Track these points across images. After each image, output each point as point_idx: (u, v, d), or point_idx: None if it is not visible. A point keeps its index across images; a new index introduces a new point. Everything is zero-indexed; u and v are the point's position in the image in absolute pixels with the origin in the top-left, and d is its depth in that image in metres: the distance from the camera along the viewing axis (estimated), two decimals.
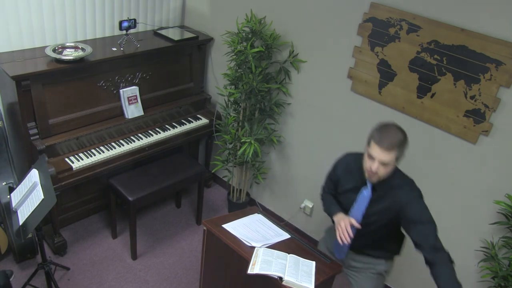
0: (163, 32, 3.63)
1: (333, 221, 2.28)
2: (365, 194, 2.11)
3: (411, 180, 2.11)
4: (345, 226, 2.09)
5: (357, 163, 2.13)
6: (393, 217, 2.09)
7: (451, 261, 2.00)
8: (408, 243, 3.02)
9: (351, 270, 2.40)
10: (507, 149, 2.46)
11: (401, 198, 2.04)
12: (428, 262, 2.00)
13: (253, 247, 2.11)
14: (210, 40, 3.72)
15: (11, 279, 2.91)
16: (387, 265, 2.35)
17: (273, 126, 3.50)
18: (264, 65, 3.24)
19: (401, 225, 2.11)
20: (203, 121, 3.69)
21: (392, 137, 1.93)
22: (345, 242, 2.10)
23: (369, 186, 2.09)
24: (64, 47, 3.05)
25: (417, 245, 2.02)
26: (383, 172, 1.98)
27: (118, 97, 3.25)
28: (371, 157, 1.98)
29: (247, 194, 3.89)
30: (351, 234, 2.10)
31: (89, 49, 3.03)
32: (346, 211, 2.21)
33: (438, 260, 1.97)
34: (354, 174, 2.16)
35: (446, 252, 2.01)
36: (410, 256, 3.08)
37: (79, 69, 2.97)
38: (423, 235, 1.99)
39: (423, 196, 2.09)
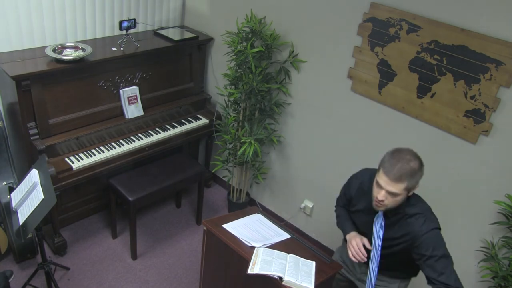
0: (163, 32, 3.63)
1: (345, 239, 2.20)
2: (377, 223, 2.00)
3: (427, 208, 1.98)
4: (358, 246, 2.02)
5: (371, 182, 1.98)
6: (406, 248, 1.98)
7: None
8: None
9: (363, 283, 2.29)
10: (507, 149, 2.46)
11: (414, 230, 1.91)
12: None
13: (253, 247, 2.11)
14: (210, 40, 3.72)
15: (11, 280, 2.91)
16: (401, 285, 2.26)
17: (273, 126, 3.50)
18: (264, 65, 3.24)
19: (414, 258, 1.98)
20: (203, 121, 3.69)
21: (403, 167, 1.81)
22: (361, 260, 2.02)
23: (380, 213, 1.98)
24: (64, 47, 3.05)
25: (429, 281, 1.90)
26: (390, 202, 1.87)
27: (118, 97, 3.25)
28: (378, 185, 1.87)
29: (247, 194, 3.89)
30: (365, 254, 2.01)
31: (89, 49, 3.03)
32: (359, 229, 2.15)
33: None
34: (367, 194, 2.04)
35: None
36: None
37: (79, 69, 2.97)
38: (435, 271, 1.87)
39: (439, 226, 1.97)
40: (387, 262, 2.10)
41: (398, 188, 1.82)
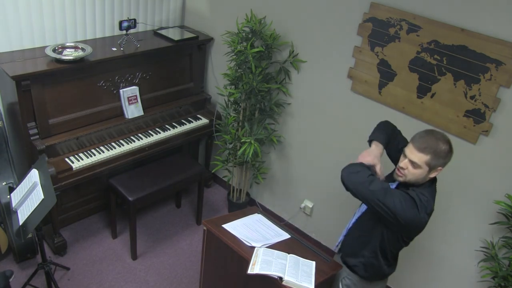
0: (163, 32, 3.63)
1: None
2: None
3: (429, 199, 1.96)
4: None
5: None
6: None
7: (366, 180, 1.93)
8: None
9: None
10: (507, 149, 2.46)
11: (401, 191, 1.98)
12: None
13: (253, 247, 2.11)
14: (210, 40, 3.72)
15: (11, 280, 2.91)
16: (346, 280, 2.23)
17: (273, 126, 3.50)
18: (264, 65, 3.24)
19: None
20: (203, 121, 3.69)
21: (430, 141, 1.89)
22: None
23: (395, 183, 2.07)
24: (64, 47, 3.05)
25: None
26: (411, 171, 1.93)
27: (118, 97, 3.25)
28: (403, 154, 1.96)
29: (247, 194, 3.89)
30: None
31: (89, 49, 3.03)
32: None
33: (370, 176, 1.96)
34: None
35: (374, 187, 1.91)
36: (412, 258, 3.08)
37: (79, 69, 2.97)
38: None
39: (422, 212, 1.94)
40: (361, 227, 2.17)
41: (419, 158, 1.88)
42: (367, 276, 2.21)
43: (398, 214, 1.89)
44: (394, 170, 2.08)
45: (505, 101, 2.40)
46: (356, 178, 1.96)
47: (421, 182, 1.98)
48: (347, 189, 2.00)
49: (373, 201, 1.91)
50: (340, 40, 2.94)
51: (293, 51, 3.20)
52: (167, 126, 3.51)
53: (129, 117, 3.28)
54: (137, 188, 3.12)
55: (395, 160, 2.20)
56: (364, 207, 2.21)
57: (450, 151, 1.92)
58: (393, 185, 2.08)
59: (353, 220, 2.27)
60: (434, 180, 2.03)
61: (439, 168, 1.93)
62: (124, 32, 3.31)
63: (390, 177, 2.14)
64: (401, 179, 1.99)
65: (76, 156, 3.00)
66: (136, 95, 3.32)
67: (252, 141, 3.20)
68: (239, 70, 3.25)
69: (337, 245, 2.38)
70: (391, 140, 2.24)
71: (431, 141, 1.89)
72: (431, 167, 1.91)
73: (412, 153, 1.91)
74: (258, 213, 2.49)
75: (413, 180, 1.96)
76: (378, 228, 2.08)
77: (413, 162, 1.91)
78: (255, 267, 1.96)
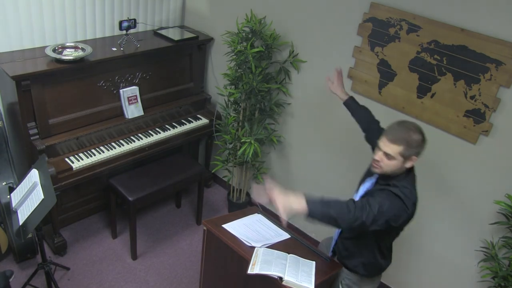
0: (163, 32, 3.63)
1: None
2: (368, 183, 2.11)
3: (411, 190, 1.97)
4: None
5: None
6: None
7: (348, 211, 1.84)
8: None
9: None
10: (507, 149, 2.46)
11: (382, 189, 1.97)
12: None
13: (253, 247, 2.11)
14: (210, 40, 3.72)
15: (11, 280, 2.91)
16: (346, 280, 2.24)
17: (273, 126, 3.50)
18: (264, 65, 3.24)
19: None
20: (203, 121, 3.69)
21: (401, 132, 1.92)
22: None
23: (374, 176, 2.09)
24: (64, 47, 3.05)
25: None
26: (386, 163, 1.94)
27: (118, 97, 3.25)
28: (378, 147, 1.98)
29: (247, 194, 3.89)
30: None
31: (89, 49, 3.03)
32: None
33: (347, 201, 1.89)
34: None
35: (357, 210, 1.85)
36: (412, 258, 3.08)
37: (79, 69, 2.97)
38: (364, 199, 1.92)
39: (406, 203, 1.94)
40: (354, 242, 2.16)
41: (393, 150, 1.90)
42: (367, 274, 2.22)
43: (391, 220, 1.89)
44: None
45: (505, 101, 2.40)
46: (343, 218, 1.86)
47: (399, 173, 1.99)
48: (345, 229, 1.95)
49: (369, 221, 1.87)
50: (340, 40, 2.94)
51: (293, 51, 3.20)
52: (167, 126, 3.51)
53: (129, 117, 3.28)
54: (137, 188, 3.12)
55: None
56: None
57: (422, 140, 1.95)
58: (372, 179, 2.10)
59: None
60: (411, 168, 2.03)
61: (414, 157, 1.94)
62: (124, 32, 3.31)
63: (370, 170, 2.14)
64: (377, 171, 2.00)
65: (76, 156, 3.00)
66: (136, 95, 3.32)
67: (252, 141, 3.20)
68: (239, 70, 3.25)
69: (331, 250, 2.37)
70: (369, 132, 2.34)
71: (403, 132, 1.91)
72: (405, 157, 1.93)
73: (385, 145, 1.93)
74: (258, 213, 2.49)
75: (389, 171, 1.97)
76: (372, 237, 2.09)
77: (387, 154, 1.92)
78: (255, 267, 1.96)
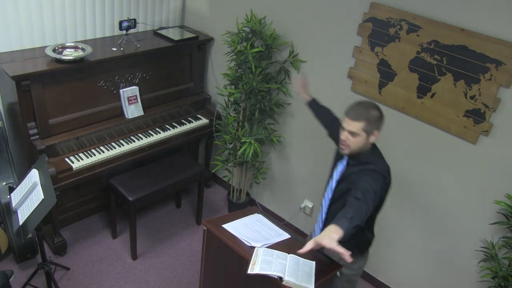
0: (163, 32, 3.63)
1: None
2: (340, 167, 2.21)
3: (384, 163, 2.12)
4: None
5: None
6: (349, 188, 2.12)
7: (358, 202, 1.93)
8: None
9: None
10: (507, 149, 2.46)
11: (361, 173, 2.08)
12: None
13: (253, 247, 2.11)
14: (210, 40, 3.72)
15: (11, 280, 2.91)
16: (345, 264, 2.25)
17: (273, 126, 3.50)
18: (264, 65, 3.24)
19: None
20: (203, 121, 3.69)
21: (361, 110, 2.06)
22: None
23: (345, 159, 2.20)
24: (64, 47, 3.05)
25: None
26: (352, 141, 2.07)
27: (118, 97, 3.25)
28: (342, 128, 2.10)
29: (247, 194, 3.89)
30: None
31: (89, 49, 3.03)
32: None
33: (349, 203, 1.95)
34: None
35: (361, 202, 1.93)
36: (412, 258, 3.08)
37: (79, 69, 2.97)
38: (358, 189, 1.98)
39: (389, 180, 2.09)
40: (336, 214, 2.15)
41: (356, 127, 2.03)
42: (360, 252, 2.31)
43: (381, 195, 2.05)
44: (338, 146, 2.22)
45: (505, 101, 2.40)
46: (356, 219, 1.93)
47: (365, 149, 2.12)
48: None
49: (368, 208, 1.95)
50: (340, 40, 2.94)
51: (293, 51, 3.20)
52: (167, 126, 3.51)
53: (129, 117, 3.28)
54: (137, 188, 3.12)
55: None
56: (328, 198, 2.28)
57: (381, 115, 2.09)
58: (343, 161, 2.20)
59: (324, 212, 2.31)
60: (374, 145, 2.18)
61: (376, 132, 2.08)
62: (124, 32, 3.31)
63: (339, 155, 2.26)
64: (346, 151, 2.12)
65: (76, 156, 3.00)
66: (136, 95, 3.32)
67: (252, 141, 3.20)
68: (239, 70, 3.25)
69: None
70: (330, 128, 2.52)
71: (362, 110, 2.06)
72: (368, 133, 2.06)
73: (348, 124, 2.06)
74: (258, 213, 2.48)
75: (357, 149, 2.09)
76: None
77: (352, 132, 2.05)
78: (255, 267, 1.96)
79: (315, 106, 2.66)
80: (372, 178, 2.03)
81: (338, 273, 2.30)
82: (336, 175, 2.23)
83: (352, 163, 2.16)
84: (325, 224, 2.32)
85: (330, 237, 1.80)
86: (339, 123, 2.41)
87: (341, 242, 2.14)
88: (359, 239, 2.25)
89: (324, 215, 2.33)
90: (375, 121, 2.06)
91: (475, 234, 2.69)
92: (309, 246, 1.84)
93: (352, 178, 2.12)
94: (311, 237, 2.56)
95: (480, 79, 2.43)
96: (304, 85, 2.70)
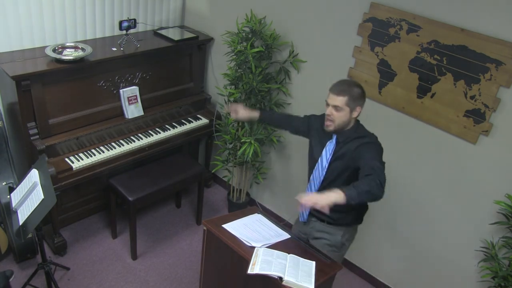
0: (163, 32, 3.63)
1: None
2: (329, 146, 2.30)
3: (373, 134, 2.28)
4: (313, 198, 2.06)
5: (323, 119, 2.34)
6: (348, 165, 2.23)
7: (376, 183, 1.99)
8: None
9: (312, 243, 2.46)
10: (507, 149, 2.46)
11: (358, 147, 2.19)
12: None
13: (253, 247, 2.11)
14: (210, 40, 3.72)
15: (11, 280, 2.91)
16: (345, 236, 2.42)
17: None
18: (264, 65, 3.24)
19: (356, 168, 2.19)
20: (203, 121, 3.69)
21: (344, 86, 2.19)
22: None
23: (333, 138, 2.29)
24: (64, 47, 3.05)
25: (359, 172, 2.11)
26: (336, 116, 2.19)
27: (118, 97, 3.25)
28: (327, 104, 2.23)
29: (247, 194, 3.89)
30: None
31: (89, 49, 3.03)
32: (311, 154, 2.45)
33: (367, 177, 2.02)
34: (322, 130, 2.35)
35: (379, 178, 2.00)
36: (412, 258, 3.08)
37: (79, 69, 2.97)
38: (366, 166, 2.07)
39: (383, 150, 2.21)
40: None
41: (340, 101, 2.16)
42: (360, 221, 2.47)
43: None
44: (321, 128, 2.32)
45: (505, 101, 2.40)
46: (372, 193, 2.01)
47: (350, 124, 2.24)
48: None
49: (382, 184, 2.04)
50: (340, 40, 2.94)
51: (293, 51, 3.20)
52: (167, 126, 3.51)
53: (129, 117, 3.28)
54: (137, 188, 3.12)
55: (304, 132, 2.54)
56: (318, 176, 2.37)
57: (363, 92, 2.22)
58: (332, 141, 2.29)
59: (314, 189, 2.41)
60: (358, 121, 2.30)
61: (358, 108, 2.21)
62: (124, 32, 3.31)
63: (326, 134, 2.32)
64: (331, 127, 2.23)
65: (76, 156, 3.00)
66: (136, 95, 3.32)
67: (252, 141, 3.20)
68: (239, 70, 3.25)
69: (306, 216, 2.50)
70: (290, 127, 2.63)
71: (345, 86, 2.19)
72: (351, 108, 2.19)
73: (332, 99, 2.19)
74: (258, 213, 2.48)
75: (341, 124, 2.21)
76: (350, 181, 2.18)
77: (336, 106, 2.18)
78: (255, 267, 1.96)
79: (267, 116, 2.72)
80: (374, 150, 2.17)
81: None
82: (327, 154, 2.31)
83: (342, 140, 2.26)
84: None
85: (328, 195, 1.95)
86: (295, 117, 2.61)
87: (341, 213, 2.32)
88: (359, 208, 2.42)
89: (316, 189, 2.41)
90: (358, 98, 2.18)
91: (475, 234, 2.69)
92: (308, 197, 2.01)
93: (351, 155, 2.21)
94: (297, 225, 2.63)
95: (480, 79, 2.43)
96: (241, 108, 2.65)
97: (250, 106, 3.34)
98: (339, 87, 2.20)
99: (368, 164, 2.07)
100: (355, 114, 2.23)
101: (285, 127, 2.70)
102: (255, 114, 2.68)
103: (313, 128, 2.46)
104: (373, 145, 2.20)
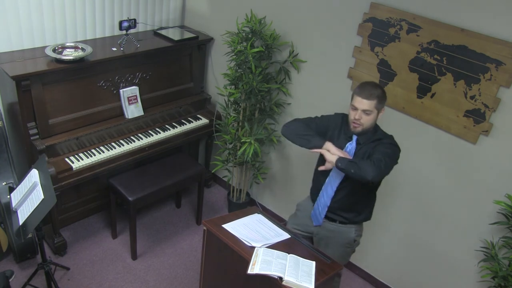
0: (163, 32, 3.63)
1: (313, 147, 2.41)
2: (350, 147, 2.31)
3: (391, 135, 2.33)
4: (335, 149, 2.25)
5: (344, 119, 2.39)
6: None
7: (368, 163, 2.14)
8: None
9: (321, 242, 2.54)
10: (507, 149, 2.46)
11: (376, 147, 2.25)
12: None
13: (253, 247, 2.11)
14: (210, 40, 3.72)
15: (11, 280, 2.91)
16: (357, 232, 2.48)
17: (273, 126, 3.50)
18: (264, 65, 3.24)
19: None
20: (203, 121, 3.69)
21: (371, 88, 2.20)
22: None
23: (354, 139, 2.30)
24: (64, 47, 3.05)
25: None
26: (365, 120, 2.21)
27: (118, 97, 3.25)
28: (354, 108, 2.22)
29: (247, 194, 3.89)
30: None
31: (89, 49, 3.03)
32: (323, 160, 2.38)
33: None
34: (342, 129, 2.38)
35: (375, 162, 2.14)
36: (412, 258, 3.08)
37: (79, 69, 2.97)
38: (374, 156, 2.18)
39: (399, 151, 2.29)
40: (349, 198, 2.37)
41: (370, 105, 2.18)
42: (370, 216, 2.51)
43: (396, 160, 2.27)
44: (343, 129, 2.35)
45: (505, 101, 2.40)
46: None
47: (372, 126, 2.28)
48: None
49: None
50: (340, 40, 2.94)
51: (293, 51, 3.20)
52: (167, 126, 3.51)
53: (129, 117, 3.28)
54: (137, 188, 3.12)
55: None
56: (339, 176, 2.35)
57: (385, 93, 2.25)
58: (352, 142, 2.31)
59: (331, 193, 2.40)
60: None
61: (383, 109, 2.26)
62: (124, 32, 3.31)
63: (345, 136, 2.34)
64: (359, 129, 2.25)
65: (76, 156, 3.00)
66: (136, 95, 3.32)
67: (252, 141, 3.20)
68: (239, 70, 3.25)
69: (321, 220, 2.49)
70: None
71: (373, 89, 2.20)
72: (378, 110, 2.23)
73: (361, 103, 2.19)
74: (258, 213, 2.48)
75: (369, 126, 2.25)
76: (365, 189, 2.35)
77: (365, 110, 2.19)
78: (255, 267, 1.96)
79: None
80: (391, 150, 2.23)
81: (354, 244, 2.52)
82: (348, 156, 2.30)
83: (362, 141, 2.29)
84: (332, 204, 2.41)
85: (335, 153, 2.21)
86: (312, 123, 2.53)
87: (355, 210, 2.42)
88: (371, 204, 2.48)
89: (332, 194, 2.39)
90: (383, 99, 2.22)
91: (475, 234, 2.69)
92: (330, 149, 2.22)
93: (368, 156, 2.25)
94: (301, 223, 2.63)
95: (480, 79, 2.43)
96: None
97: (250, 106, 3.34)
98: (368, 91, 2.19)
99: (380, 154, 2.17)
100: (379, 116, 2.26)
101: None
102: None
103: (327, 130, 2.44)
104: (388, 145, 2.25)
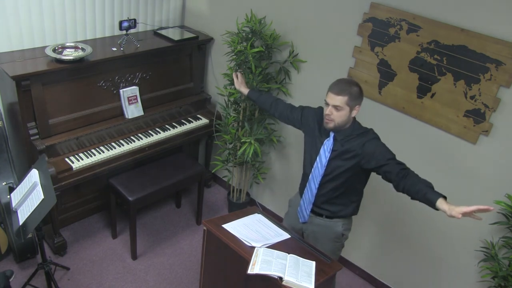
0: (163, 32, 3.63)
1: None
2: (327, 144, 2.31)
3: (371, 129, 2.33)
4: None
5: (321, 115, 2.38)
6: (354, 163, 2.27)
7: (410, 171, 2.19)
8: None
9: (310, 238, 2.54)
10: (507, 149, 2.46)
11: (365, 146, 2.23)
12: (398, 185, 2.17)
13: (253, 247, 2.11)
14: (210, 40, 3.72)
15: (11, 280, 2.91)
16: (344, 226, 2.48)
17: (273, 126, 3.50)
18: (264, 65, 3.24)
19: (369, 169, 2.28)
20: (203, 121, 3.69)
21: (343, 85, 2.21)
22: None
23: (331, 135, 2.31)
24: (64, 47, 3.05)
25: (386, 179, 2.22)
26: (336, 115, 2.21)
27: (118, 97, 3.25)
28: (326, 103, 2.25)
29: (247, 194, 3.89)
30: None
31: (89, 49, 3.03)
32: (306, 150, 2.46)
33: (406, 174, 2.16)
34: (322, 124, 2.36)
35: (409, 169, 2.20)
36: (412, 258, 3.08)
37: (79, 69, 2.97)
38: (390, 171, 2.17)
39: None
40: (333, 192, 2.37)
41: (340, 101, 2.18)
42: (357, 211, 2.50)
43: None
44: (322, 124, 2.33)
45: (505, 101, 2.40)
46: None
47: (348, 123, 2.27)
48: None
49: None
50: (340, 40, 2.94)
51: (293, 51, 3.20)
52: (167, 126, 3.51)
53: (129, 117, 3.28)
54: (137, 188, 3.12)
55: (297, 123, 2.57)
56: (319, 174, 2.36)
57: (361, 91, 2.24)
58: (329, 139, 2.31)
59: (314, 190, 2.40)
60: (354, 118, 2.33)
61: (357, 107, 2.24)
62: (124, 32, 3.31)
63: (323, 132, 2.35)
64: (331, 125, 2.25)
65: (76, 156, 3.00)
66: (136, 95, 3.32)
67: (252, 141, 3.20)
68: (239, 70, 3.25)
69: (306, 217, 2.51)
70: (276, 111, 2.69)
71: (345, 85, 2.20)
72: (351, 107, 2.21)
73: (332, 99, 2.20)
74: (258, 213, 2.49)
75: (341, 122, 2.24)
76: (351, 182, 2.35)
77: (336, 106, 2.20)
78: (255, 267, 1.96)
79: (254, 94, 2.83)
80: (382, 145, 2.24)
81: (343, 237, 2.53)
82: (325, 152, 2.32)
83: (340, 138, 2.29)
84: (316, 199, 2.42)
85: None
86: (283, 103, 2.65)
87: (340, 204, 2.44)
88: (357, 199, 2.47)
89: (315, 191, 2.41)
90: (357, 97, 2.21)
91: (475, 234, 2.69)
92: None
93: (360, 153, 2.23)
94: (292, 217, 2.66)
95: (480, 79, 2.43)
96: (242, 81, 2.97)
97: (250, 106, 3.34)
98: (339, 87, 2.20)
99: (392, 162, 2.18)
100: (354, 113, 2.25)
101: (270, 110, 2.72)
102: (244, 90, 2.87)
103: (308, 122, 2.47)
104: (379, 140, 2.26)
